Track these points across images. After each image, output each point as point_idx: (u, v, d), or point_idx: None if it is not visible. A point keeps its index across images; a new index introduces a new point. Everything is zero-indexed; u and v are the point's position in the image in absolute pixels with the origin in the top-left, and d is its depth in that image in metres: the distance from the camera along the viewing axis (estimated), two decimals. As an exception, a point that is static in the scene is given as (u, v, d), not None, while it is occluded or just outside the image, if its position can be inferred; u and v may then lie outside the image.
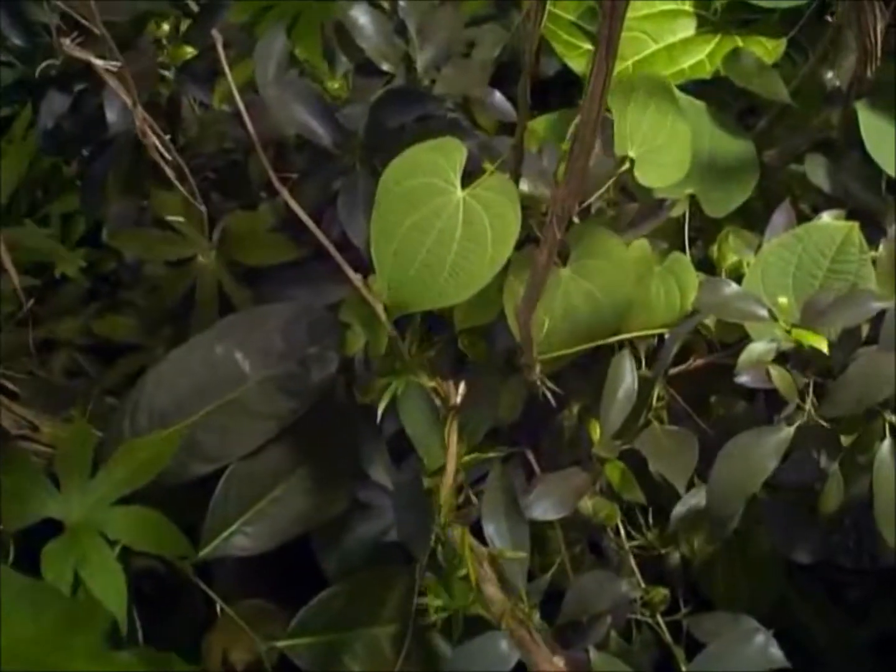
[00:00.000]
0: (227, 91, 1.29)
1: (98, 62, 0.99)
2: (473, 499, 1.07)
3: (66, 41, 1.00)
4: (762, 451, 0.99)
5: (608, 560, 1.14)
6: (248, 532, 1.15)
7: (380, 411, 1.04)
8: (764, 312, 1.03)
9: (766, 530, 1.15)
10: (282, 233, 1.32)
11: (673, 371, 1.12)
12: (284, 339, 1.17)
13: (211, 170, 1.41)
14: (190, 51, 1.34)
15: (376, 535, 1.16)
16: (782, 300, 1.05)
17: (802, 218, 1.16)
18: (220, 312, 1.33)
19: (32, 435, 1.16)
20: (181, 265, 1.35)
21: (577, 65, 1.32)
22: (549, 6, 1.32)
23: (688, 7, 1.30)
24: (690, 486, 1.06)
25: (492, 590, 0.85)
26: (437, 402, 1.00)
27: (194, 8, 1.31)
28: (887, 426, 0.98)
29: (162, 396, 1.16)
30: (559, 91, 1.45)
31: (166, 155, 1.03)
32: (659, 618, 1.08)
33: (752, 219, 1.21)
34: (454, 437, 0.95)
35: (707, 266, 1.16)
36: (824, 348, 0.98)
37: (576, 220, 1.08)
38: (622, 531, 1.12)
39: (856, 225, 1.07)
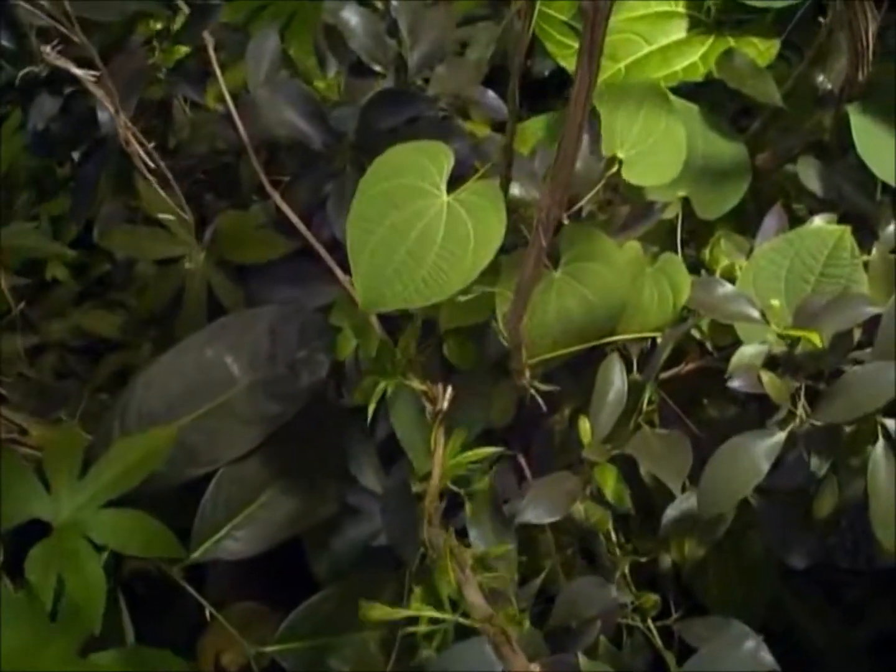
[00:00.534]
0: (219, 92, 1.29)
1: (78, 71, 0.98)
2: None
3: (48, 48, 0.99)
4: (754, 455, 0.98)
5: (600, 564, 1.13)
6: (238, 536, 1.14)
7: (370, 413, 1.03)
8: (756, 313, 1.03)
9: (758, 534, 1.15)
10: (276, 231, 1.32)
11: (666, 375, 1.12)
12: (274, 342, 1.17)
13: (203, 171, 1.40)
14: (182, 50, 1.33)
15: (366, 538, 1.16)
16: (774, 302, 1.04)
17: (797, 221, 1.16)
18: (209, 312, 1.33)
19: (21, 438, 1.16)
20: (171, 264, 1.35)
21: (570, 65, 1.31)
22: (542, 6, 1.32)
23: (681, 9, 1.29)
24: (682, 489, 1.06)
25: (474, 596, 0.84)
26: (427, 405, 1.00)
27: (185, 9, 1.30)
28: (880, 428, 0.98)
29: (152, 399, 1.16)
30: (554, 91, 1.45)
31: (149, 163, 1.02)
32: (650, 623, 1.07)
33: (746, 221, 1.20)
34: (440, 442, 0.94)
35: (699, 270, 1.16)
36: (818, 343, 0.97)
37: (567, 222, 1.08)
38: (613, 535, 1.11)
39: (847, 229, 1.06)
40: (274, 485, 1.16)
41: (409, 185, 0.93)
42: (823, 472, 1.02)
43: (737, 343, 1.05)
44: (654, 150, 1.06)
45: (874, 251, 1.05)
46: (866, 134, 1.09)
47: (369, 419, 1.04)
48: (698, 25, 1.29)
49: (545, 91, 1.45)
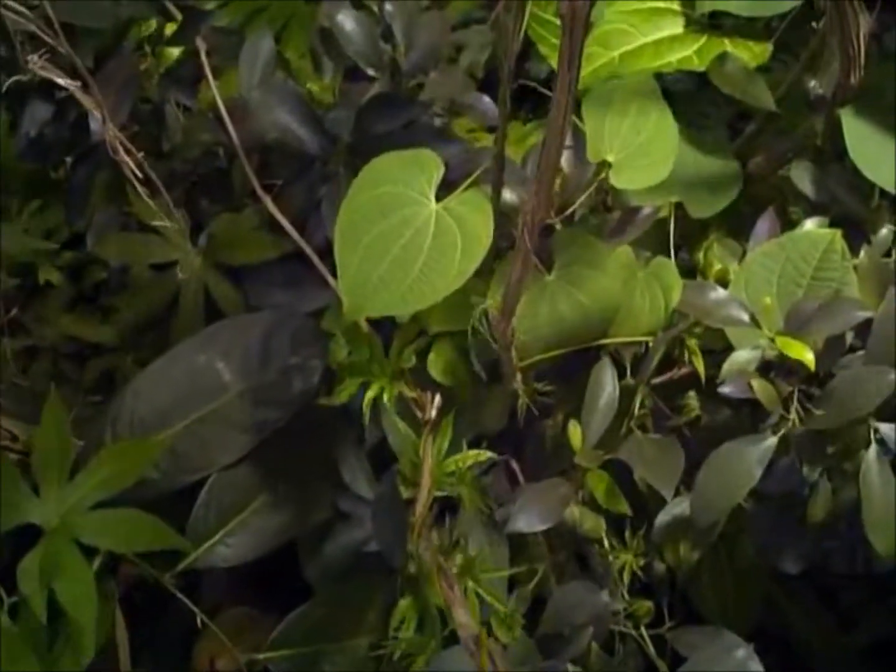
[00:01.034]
0: (212, 96, 1.29)
1: (61, 80, 0.98)
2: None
3: (34, 56, 0.99)
4: (747, 461, 0.98)
5: (593, 569, 1.13)
6: (230, 542, 1.14)
7: (365, 416, 1.03)
8: (747, 317, 1.03)
9: (751, 539, 1.15)
10: (269, 234, 1.32)
11: (659, 379, 1.12)
12: (266, 348, 1.17)
13: (197, 175, 1.40)
14: (175, 55, 1.33)
15: (358, 544, 1.15)
16: (766, 300, 1.04)
17: (793, 225, 1.15)
18: (206, 316, 1.33)
19: (12, 444, 1.16)
20: (166, 269, 1.35)
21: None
22: (536, 9, 1.31)
23: (676, 7, 1.29)
24: (675, 494, 1.06)
25: (461, 614, 0.84)
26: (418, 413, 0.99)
27: (177, 14, 1.30)
28: (873, 433, 0.98)
29: (143, 406, 1.16)
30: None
31: (137, 172, 1.01)
32: (643, 630, 1.07)
33: (740, 225, 1.20)
34: (429, 452, 0.94)
35: (692, 275, 1.16)
36: (809, 359, 0.97)
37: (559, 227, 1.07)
38: (606, 541, 1.11)
39: (838, 232, 1.06)
40: (266, 491, 1.16)
41: (397, 192, 0.93)
42: (816, 476, 1.02)
43: (729, 348, 1.04)
44: (645, 149, 1.05)
45: (862, 254, 1.05)
46: (859, 138, 1.09)
47: (366, 421, 1.04)
48: (693, 24, 1.28)
49: (542, 95, 1.45)
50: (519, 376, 1.04)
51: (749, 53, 1.24)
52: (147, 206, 1.14)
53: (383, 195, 0.93)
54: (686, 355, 1.09)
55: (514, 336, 0.99)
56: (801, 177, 1.17)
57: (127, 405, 1.16)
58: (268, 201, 1.13)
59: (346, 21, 1.32)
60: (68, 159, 1.36)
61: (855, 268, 1.05)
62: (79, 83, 1.03)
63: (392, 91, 1.30)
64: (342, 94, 1.37)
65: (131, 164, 1.00)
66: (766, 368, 1.02)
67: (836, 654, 1.34)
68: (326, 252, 1.18)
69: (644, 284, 1.10)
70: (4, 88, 1.09)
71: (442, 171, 0.94)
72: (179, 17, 1.30)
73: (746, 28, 1.26)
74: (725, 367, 1.01)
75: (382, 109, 1.25)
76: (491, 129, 1.42)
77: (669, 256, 1.13)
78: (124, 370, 1.37)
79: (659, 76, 1.24)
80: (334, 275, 1.12)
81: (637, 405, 1.06)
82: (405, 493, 1.02)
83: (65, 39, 1.04)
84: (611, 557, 1.10)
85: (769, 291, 1.07)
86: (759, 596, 1.28)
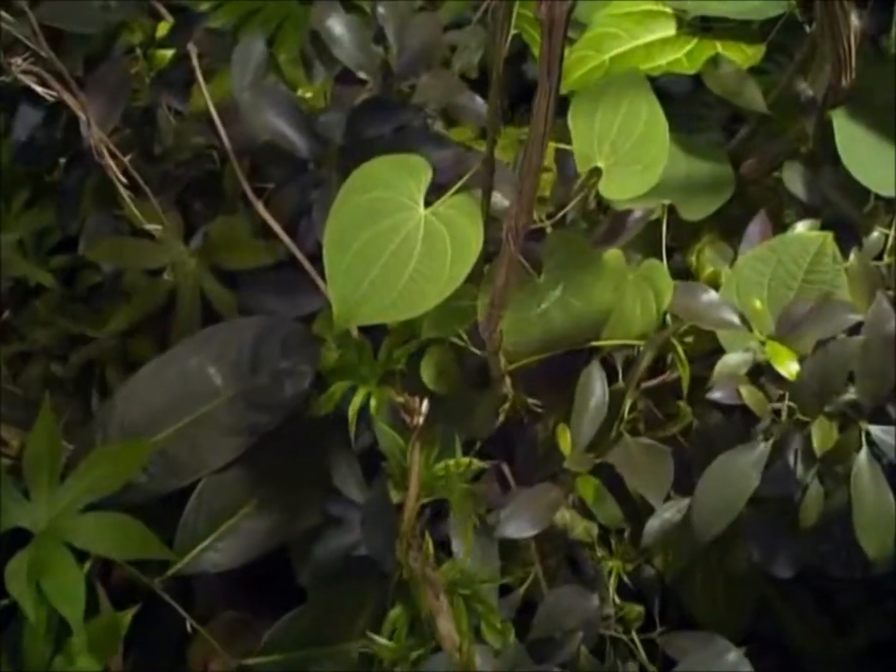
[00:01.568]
0: (204, 99, 1.29)
1: (38, 88, 0.97)
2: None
3: (17, 60, 0.98)
4: (743, 469, 0.98)
5: (584, 573, 1.13)
6: (220, 548, 1.14)
7: (351, 423, 1.03)
8: (738, 320, 1.03)
9: (744, 543, 1.14)
10: (260, 239, 1.31)
11: (651, 383, 1.11)
12: (257, 353, 1.17)
13: (189, 178, 1.40)
14: (166, 58, 1.32)
15: (348, 549, 1.15)
16: (756, 303, 1.04)
17: (786, 227, 1.15)
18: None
19: (2, 449, 1.15)
20: (160, 273, 1.35)
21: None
22: (529, 12, 1.31)
23: (667, 9, 1.29)
24: (666, 499, 1.06)
25: (444, 625, 0.83)
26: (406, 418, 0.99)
27: (168, 17, 1.30)
28: (864, 435, 0.97)
29: (134, 410, 1.16)
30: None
31: (121, 177, 1.01)
32: (634, 635, 1.07)
33: (734, 227, 1.20)
34: (416, 458, 0.93)
35: (684, 278, 1.15)
36: (792, 370, 0.97)
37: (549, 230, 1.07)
38: (597, 545, 1.10)
39: (829, 235, 1.06)
40: (256, 496, 1.16)
41: (386, 198, 0.92)
42: (810, 481, 1.02)
43: (720, 351, 1.04)
44: (636, 153, 1.04)
45: (852, 257, 1.04)
46: (851, 141, 1.09)
47: (352, 428, 1.04)
48: (684, 27, 1.28)
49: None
50: (508, 381, 1.03)
51: (741, 55, 1.23)
52: (138, 210, 1.13)
53: (372, 200, 0.93)
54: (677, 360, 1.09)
55: (502, 341, 0.98)
56: (793, 179, 1.16)
57: (118, 408, 1.16)
58: (259, 206, 1.13)
59: (336, 26, 1.31)
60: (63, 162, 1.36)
61: (846, 270, 1.05)
62: (60, 88, 1.02)
63: (383, 95, 1.30)
64: (334, 98, 1.37)
65: (115, 169, 1.00)
66: (758, 372, 1.02)
67: (832, 658, 1.33)
68: (318, 256, 1.17)
69: (635, 287, 1.10)
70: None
71: (431, 175, 0.94)
72: (170, 18, 1.30)
73: (739, 30, 1.26)
74: (716, 370, 1.01)
75: (373, 113, 1.25)
76: (485, 133, 1.42)
77: (661, 259, 1.13)
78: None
79: (654, 78, 1.24)
80: (325, 279, 1.12)
81: (627, 409, 1.06)
82: (396, 498, 1.02)
83: (50, 44, 1.03)
84: (602, 562, 1.09)
85: (760, 295, 1.06)
86: (751, 599, 1.27)
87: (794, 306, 1.02)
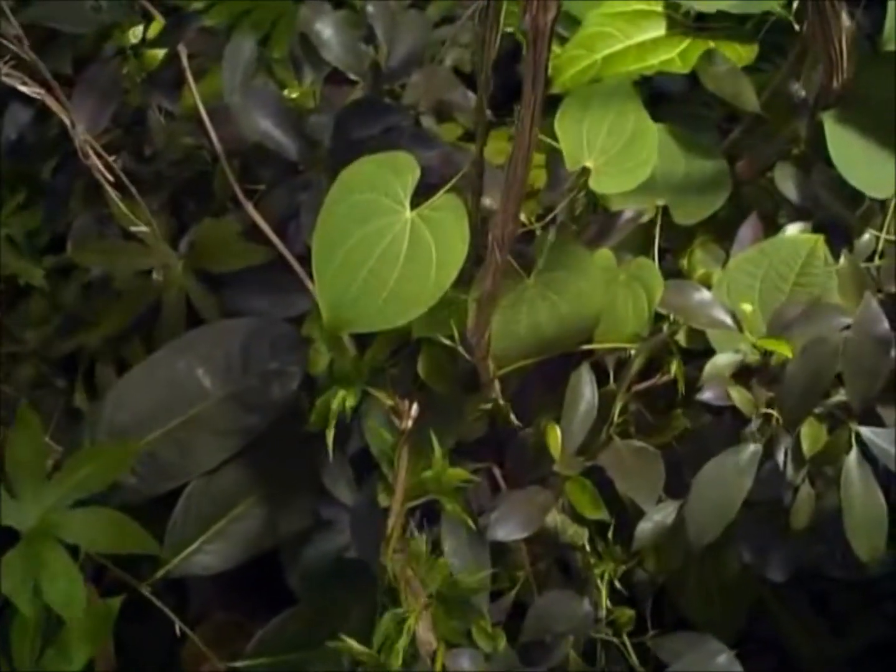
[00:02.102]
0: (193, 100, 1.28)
1: (24, 88, 0.97)
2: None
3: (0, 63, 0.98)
4: (735, 472, 0.98)
5: (575, 576, 1.12)
6: (210, 550, 1.14)
7: (330, 423, 1.02)
8: (728, 319, 1.02)
9: (738, 547, 1.14)
10: (250, 240, 1.31)
11: (642, 386, 1.11)
12: (246, 354, 1.16)
13: (180, 179, 1.39)
14: (157, 58, 1.32)
15: (339, 551, 1.15)
16: (746, 306, 1.03)
17: (778, 228, 1.15)
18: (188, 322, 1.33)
19: (-7, 450, 1.15)
20: (148, 275, 1.35)
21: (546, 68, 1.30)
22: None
23: (659, 8, 1.28)
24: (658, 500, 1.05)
25: (423, 631, 0.83)
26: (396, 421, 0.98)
27: (160, 18, 1.29)
28: (854, 436, 0.97)
29: (123, 412, 1.16)
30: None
31: (109, 177, 1.01)
32: (625, 638, 1.07)
33: (727, 229, 1.19)
34: (404, 462, 0.92)
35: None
36: (789, 354, 0.96)
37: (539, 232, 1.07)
38: (588, 548, 1.10)
39: (821, 238, 1.06)
40: (246, 498, 1.16)
41: (372, 200, 0.92)
42: (801, 483, 1.01)
43: (710, 353, 1.04)
44: (626, 152, 1.04)
45: (842, 259, 1.04)
46: (842, 143, 1.08)
47: (330, 429, 1.03)
48: (677, 26, 1.28)
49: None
50: (497, 384, 1.03)
51: (735, 55, 1.23)
52: (124, 213, 1.13)
53: (359, 203, 0.92)
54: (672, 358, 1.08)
55: (489, 347, 0.98)
56: (785, 180, 1.16)
57: (107, 411, 1.16)
58: (249, 207, 1.13)
59: (325, 28, 1.31)
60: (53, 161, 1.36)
61: (836, 272, 1.05)
62: (43, 92, 1.02)
63: (372, 95, 1.29)
64: (323, 99, 1.36)
65: (102, 170, 0.99)
66: (748, 374, 1.02)
67: (828, 659, 1.33)
68: (307, 258, 1.17)
69: (626, 287, 1.10)
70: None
71: (418, 174, 0.93)
72: (161, 19, 1.29)
73: (732, 29, 1.26)
74: (706, 371, 1.00)
75: (362, 114, 1.24)
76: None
77: (654, 261, 1.12)
78: (106, 375, 1.37)
79: (650, 77, 1.24)
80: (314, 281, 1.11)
81: (617, 412, 1.05)
82: (386, 501, 1.02)
83: (40, 44, 1.03)
84: (591, 564, 1.09)
85: (751, 297, 1.06)
86: (746, 601, 1.27)
87: (786, 308, 1.02)
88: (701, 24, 1.26)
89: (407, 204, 0.91)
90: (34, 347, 1.40)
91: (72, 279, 1.43)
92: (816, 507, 1.03)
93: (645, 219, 1.14)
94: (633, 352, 1.08)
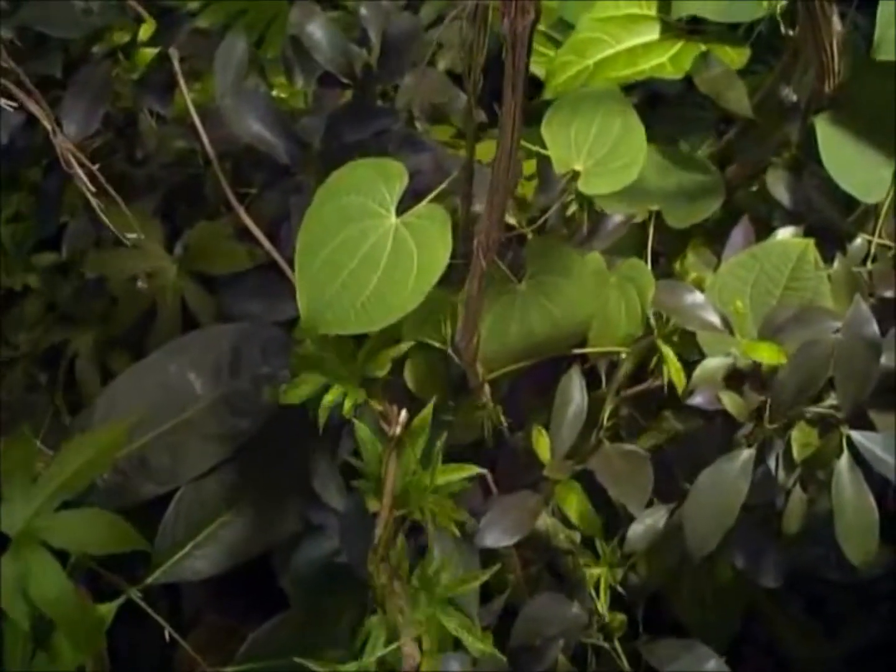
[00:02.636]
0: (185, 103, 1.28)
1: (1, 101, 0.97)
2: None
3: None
4: (730, 479, 0.97)
5: (567, 580, 1.12)
6: (200, 555, 1.14)
7: (321, 417, 1.01)
8: (719, 321, 1.02)
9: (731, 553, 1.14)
10: (242, 242, 1.31)
11: (634, 390, 1.11)
12: (237, 358, 1.16)
13: (173, 182, 1.39)
14: (149, 57, 1.31)
15: (329, 556, 1.15)
16: (738, 304, 1.03)
17: (772, 231, 1.14)
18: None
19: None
20: (144, 278, 1.35)
21: (541, 71, 1.30)
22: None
23: (651, 12, 1.28)
24: (648, 505, 1.05)
25: (406, 643, 0.83)
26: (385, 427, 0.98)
27: (151, 21, 1.29)
28: (845, 440, 0.97)
29: (113, 416, 1.16)
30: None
31: (90, 185, 1.01)
32: (616, 643, 1.06)
33: (720, 231, 1.19)
34: (392, 471, 0.92)
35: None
36: (779, 360, 0.96)
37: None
38: (580, 551, 1.09)
39: (811, 242, 1.06)
40: (236, 503, 1.16)
41: (358, 204, 0.92)
42: (790, 485, 1.01)
43: (701, 357, 1.04)
44: (613, 154, 1.04)
45: (836, 263, 1.04)
46: (833, 147, 1.08)
47: (321, 420, 1.02)
48: (669, 30, 1.27)
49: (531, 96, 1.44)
50: (487, 389, 1.03)
51: (727, 58, 1.23)
52: (115, 218, 1.13)
53: (344, 206, 0.92)
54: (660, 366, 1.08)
55: (478, 351, 0.97)
56: (776, 184, 1.16)
57: (97, 415, 1.16)
58: (241, 211, 1.12)
59: (316, 30, 1.30)
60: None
61: (829, 276, 1.04)
62: (26, 98, 1.02)
63: (364, 98, 1.29)
64: (315, 101, 1.36)
65: (83, 177, 0.99)
66: (740, 378, 1.02)
67: (823, 662, 1.33)
68: (297, 261, 1.17)
69: (619, 289, 1.09)
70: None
71: (406, 181, 0.93)
72: (153, 21, 1.29)
73: (724, 33, 1.25)
74: (696, 375, 1.01)
75: (353, 118, 1.24)
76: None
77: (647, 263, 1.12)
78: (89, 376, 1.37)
79: (644, 81, 1.24)
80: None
81: (607, 416, 1.05)
82: (374, 506, 1.01)
83: (30, 47, 1.02)
84: (585, 567, 1.09)
85: (743, 301, 1.06)
86: (741, 604, 1.27)
87: (777, 312, 1.02)
88: (693, 28, 1.26)
89: (393, 210, 0.91)
90: (26, 351, 1.40)
91: (66, 282, 1.43)
92: (810, 510, 1.03)
93: (638, 219, 1.14)
94: (623, 355, 1.07)
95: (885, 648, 1.29)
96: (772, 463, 1.01)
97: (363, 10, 1.33)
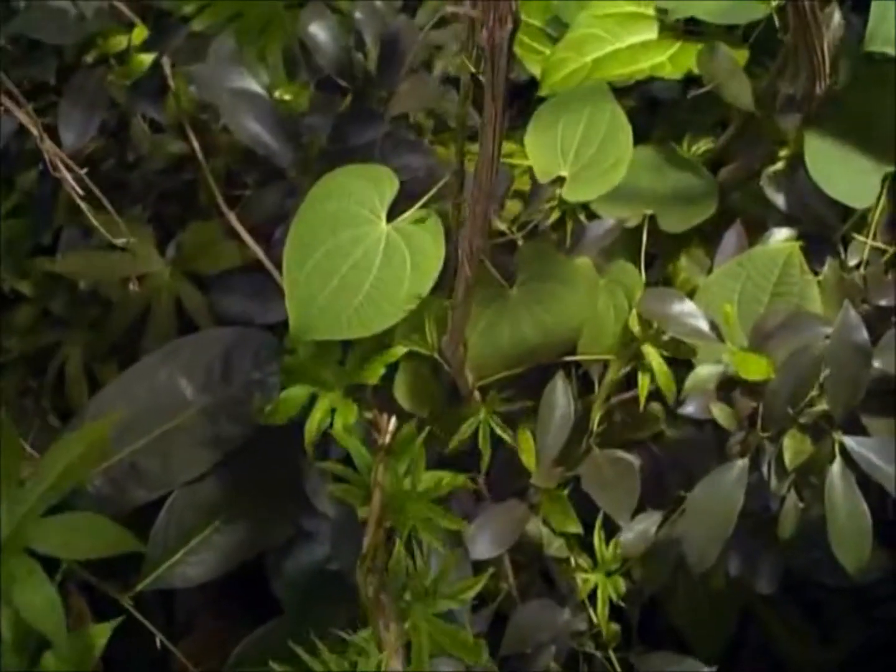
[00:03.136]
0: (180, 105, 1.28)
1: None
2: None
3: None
4: (725, 490, 0.97)
5: (559, 587, 1.12)
6: (192, 561, 1.13)
7: (310, 434, 1.01)
8: (707, 328, 1.02)
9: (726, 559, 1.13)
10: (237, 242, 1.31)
11: (624, 396, 1.10)
12: (228, 364, 1.16)
13: (167, 187, 1.39)
14: (143, 64, 1.31)
15: (321, 562, 1.15)
16: (727, 308, 1.03)
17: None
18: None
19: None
20: (137, 282, 1.35)
21: (538, 70, 1.29)
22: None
23: (650, 11, 1.27)
24: (639, 511, 1.05)
25: (391, 658, 0.83)
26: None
27: (144, 28, 1.29)
28: (838, 446, 0.96)
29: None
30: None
31: (78, 190, 1.01)
32: (610, 652, 1.06)
33: (715, 234, 1.19)
34: (380, 480, 0.91)
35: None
36: (769, 375, 0.96)
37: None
38: (571, 558, 1.09)
39: (796, 246, 1.05)
40: (227, 509, 1.16)
41: (348, 210, 0.92)
42: (783, 492, 1.01)
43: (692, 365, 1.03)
44: (601, 153, 1.03)
45: (826, 267, 1.03)
46: (818, 153, 1.08)
47: (309, 440, 1.02)
48: (668, 29, 1.27)
49: (528, 98, 1.43)
50: (478, 395, 1.02)
51: (727, 55, 1.22)
52: (107, 222, 1.13)
53: (334, 212, 0.92)
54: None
55: (466, 358, 0.97)
56: (771, 186, 1.15)
57: (88, 419, 1.16)
58: (231, 215, 1.13)
59: (319, 32, 1.30)
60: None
61: (819, 282, 1.04)
62: (12, 105, 1.02)
63: (361, 104, 1.29)
64: (312, 104, 1.36)
65: (73, 183, 0.99)
66: (731, 385, 1.01)
67: (819, 666, 1.33)
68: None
69: (607, 293, 1.09)
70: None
71: (397, 187, 0.93)
72: (145, 27, 1.29)
73: (723, 33, 1.25)
74: (688, 383, 1.00)
75: (350, 125, 1.24)
76: (471, 137, 1.40)
77: (640, 268, 1.12)
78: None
79: (643, 82, 1.23)
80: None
81: (596, 422, 1.05)
82: (363, 513, 1.01)
83: (24, 53, 1.02)
84: (577, 572, 1.08)
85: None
86: (736, 609, 1.27)
87: (766, 319, 1.01)
88: (692, 27, 1.25)
89: (383, 216, 0.91)
90: (18, 356, 1.40)
91: (60, 286, 1.43)
92: (805, 515, 1.02)
93: (632, 223, 1.14)
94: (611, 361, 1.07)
95: (881, 652, 1.29)
96: (764, 470, 1.01)
97: (358, 14, 1.33)
